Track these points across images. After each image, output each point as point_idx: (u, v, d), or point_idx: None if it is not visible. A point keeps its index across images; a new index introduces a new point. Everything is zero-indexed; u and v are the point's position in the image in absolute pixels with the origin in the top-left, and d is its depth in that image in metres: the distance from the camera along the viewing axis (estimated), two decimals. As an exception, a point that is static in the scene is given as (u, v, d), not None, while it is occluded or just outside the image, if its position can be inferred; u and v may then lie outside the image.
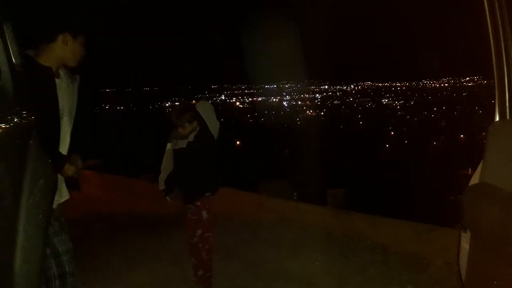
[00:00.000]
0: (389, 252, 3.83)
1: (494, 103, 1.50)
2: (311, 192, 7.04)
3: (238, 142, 51.38)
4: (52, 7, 2.13)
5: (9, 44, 1.48)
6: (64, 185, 2.21)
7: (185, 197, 3.09)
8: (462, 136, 50.64)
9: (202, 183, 3.06)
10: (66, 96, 2.16)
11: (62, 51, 2.09)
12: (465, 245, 1.53)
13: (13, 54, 1.48)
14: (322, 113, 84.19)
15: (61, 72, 2.19)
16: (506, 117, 1.49)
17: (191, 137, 3.01)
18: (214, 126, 3.01)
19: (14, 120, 1.41)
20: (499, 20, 1.46)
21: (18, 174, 1.43)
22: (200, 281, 3.11)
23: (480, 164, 1.50)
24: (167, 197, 3.10)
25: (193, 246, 3.10)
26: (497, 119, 1.51)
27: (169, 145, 3.15)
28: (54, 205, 2.04)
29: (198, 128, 3.00)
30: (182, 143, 3.03)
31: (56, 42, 2.06)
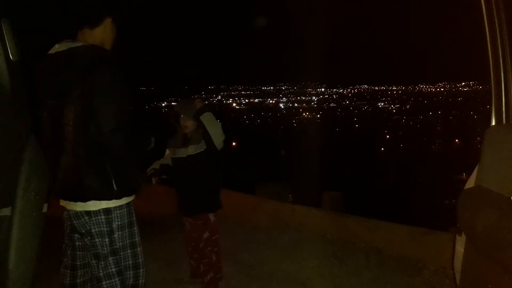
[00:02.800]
0: (384, 256, 3.84)
1: (491, 108, 1.52)
2: (307, 195, 7.06)
3: (234, 144, 51.35)
4: None
5: (6, 40, 1.46)
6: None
7: (184, 210, 3.01)
8: (457, 140, 50.93)
9: (203, 199, 2.94)
10: None
11: (103, 35, 2.04)
12: (460, 248, 1.54)
13: (10, 50, 1.47)
14: (319, 115, 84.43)
15: None
16: (502, 121, 1.50)
17: (191, 149, 2.85)
18: (219, 139, 2.82)
19: (11, 119, 1.40)
20: (496, 25, 1.47)
21: (13, 172, 1.42)
22: (211, 284, 3.03)
23: (476, 168, 1.51)
24: (152, 178, 2.93)
25: (197, 250, 3.02)
26: (494, 123, 1.52)
27: (167, 152, 3.03)
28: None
29: (202, 141, 2.84)
30: (182, 153, 2.89)
31: (99, 26, 2.02)
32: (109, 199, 1.94)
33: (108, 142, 1.87)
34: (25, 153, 1.43)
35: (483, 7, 1.48)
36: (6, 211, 1.37)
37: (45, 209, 1.53)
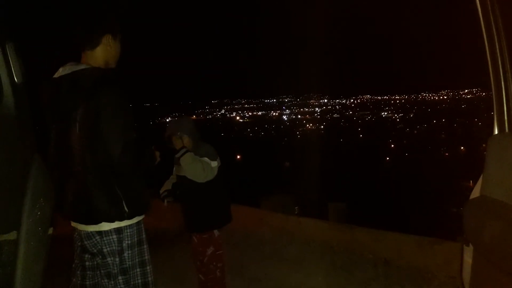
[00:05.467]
0: (392, 266, 3.80)
1: (493, 116, 1.51)
2: (313, 206, 7.03)
3: (238, 157, 51.35)
4: (87, 10, 2.07)
5: (11, 62, 1.49)
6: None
7: (190, 226, 3.01)
8: (462, 148, 50.67)
9: (206, 216, 2.95)
10: None
11: (106, 53, 2.03)
12: (468, 259, 1.52)
13: (15, 73, 1.49)
14: (322, 126, 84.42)
15: None
16: (505, 130, 1.49)
17: None
18: (195, 179, 2.79)
19: (16, 139, 1.41)
20: (495, 33, 1.48)
21: (19, 192, 1.43)
22: None
23: (481, 178, 1.50)
24: (165, 200, 2.98)
25: (204, 265, 3.03)
26: (496, 132, 1.52)
27: (175, 168, 3.06)
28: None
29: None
30: (182, 171, 2.88)
31: (100, 45, 2.01)
32: (121, 220, 1.94)
33: (118, 165, 1.87)
34: (30, 173, 1.44)
35: (480, 15, 1.49)
36: (12, 235, 1.37)
37: (50, 231, 1.54)
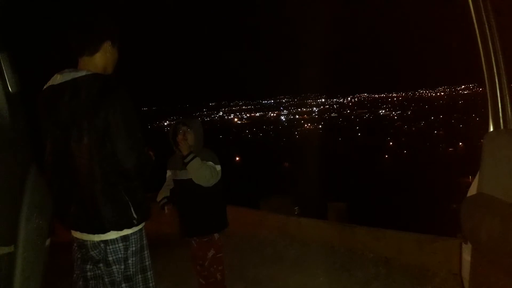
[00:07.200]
0: (393, 265, 3.80)
1: (488, 114, 1.52)
2: (312, 206, 7.03)
3: (237, 158, 51.32)
4: (88, 16, 2.06)
5: (4, 71, 1.47)
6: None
7: (190, 231, 3.00)
8: (460, 144, 50.73)
9: (208, 219, 2.94)
10: None
11: (104, 59, 2.01)
12: (466, 256, 1.52)
13: (9, 82, 1.48)
14: (320, 126, 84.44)
15: None
16: (500, 127, 1.50)
17: None
18: (202, 183, 2.81)
19: (11, 150, 1.40)
20: (488, 33, 1.48)
21: (15, 204, 1.42)
22: None
23: (477, 175, 1.50)
24: (165, 208, 2.98)
25: (205, 268, 3.02)
26: (491, 129, 1.52)
27: (168, 173, 3.06)
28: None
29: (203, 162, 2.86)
30: (183, 174, 2.89)
31: (99, 52, 1.98)
32: (130, 227, 1.92)
33: (133, 171, 1.86)
34: (26, 184, 1.43)
35: (473, 15, 1.50)
36: (9, 249, 1.35)
37: (48, 243, 1.52)
